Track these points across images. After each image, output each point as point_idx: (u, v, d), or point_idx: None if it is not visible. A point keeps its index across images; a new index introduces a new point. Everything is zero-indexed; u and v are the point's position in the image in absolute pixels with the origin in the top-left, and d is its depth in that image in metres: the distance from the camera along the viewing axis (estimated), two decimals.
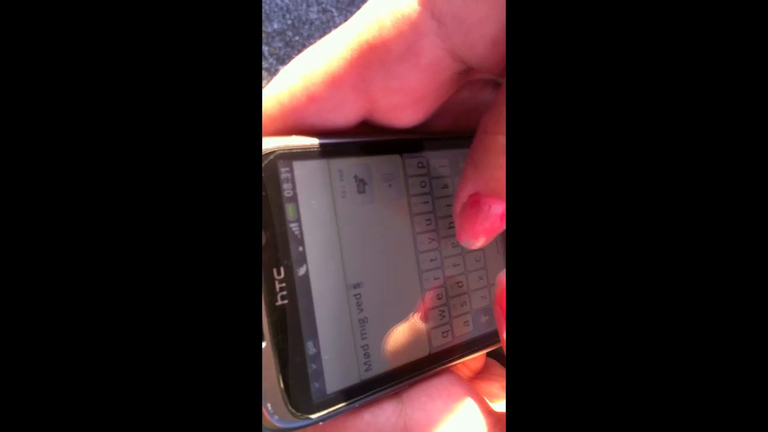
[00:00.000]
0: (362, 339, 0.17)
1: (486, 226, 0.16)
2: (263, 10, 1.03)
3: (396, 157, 0.18)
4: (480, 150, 0.16)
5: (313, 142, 0.16)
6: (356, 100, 0.16)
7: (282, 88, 0.16)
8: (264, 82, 1.06)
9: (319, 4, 1.04)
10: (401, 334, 0.18)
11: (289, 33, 1.04)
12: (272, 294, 0.15)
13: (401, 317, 0.18)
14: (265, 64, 1.04)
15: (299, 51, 1.06)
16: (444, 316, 0.19)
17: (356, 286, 0.17)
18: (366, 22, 0.15)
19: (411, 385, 0.18)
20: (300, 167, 0.16)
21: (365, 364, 0.17)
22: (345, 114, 0.16)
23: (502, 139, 0.15)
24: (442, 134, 0.19)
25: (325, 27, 1.04)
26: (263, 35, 1.04)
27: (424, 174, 0.19)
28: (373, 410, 0.17)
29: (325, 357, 0.16)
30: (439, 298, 0.19)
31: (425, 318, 0.18)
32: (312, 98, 0.15)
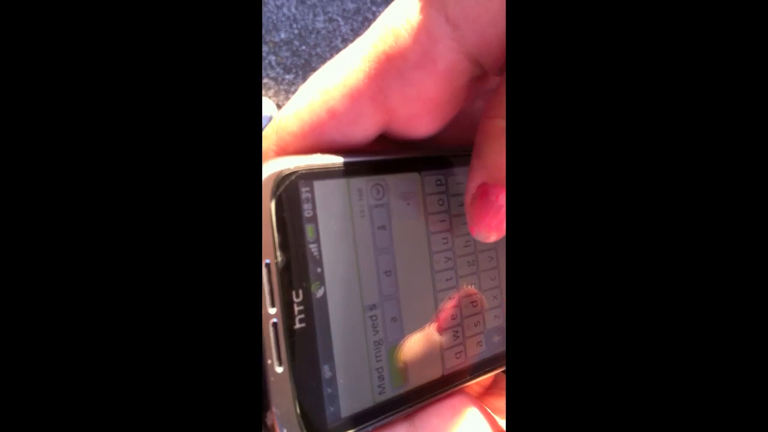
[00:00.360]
0: (377, 361, 0.17)
1: (496, 218, 0.16)
2: (270, 20, 1.03)
3: (415, 175, 0.18)
4: (481, 137, 0.16)
5: (334, 160, 0.16)
6: (375, 112, 0.16)
7: (302, 105, 0.16)
8: (271, 91, 1.06)
9: (325, 13, 1.04)
10: (415, 356, 0.18)
11: (296, 42, 1.04)
12: (291, 317, 0.15)
13: (417, 340, 0.18)
14: (272, 74, 1.04)
15: (306, 60, 1.07)
16: (458, 337, 0.19)
17: (372, 307, 0.17)
18: (381, 32, 0.15)
19: (422, 407, 0.18)
20: (320, 187, 0.15)
21: (379, 386, 0.17)
22: (364, 127, 0.16)
23: (502, 123, 0.15)
24: (461, 150, 0.19)
25: (331, 36, 1.04)
26: (271, 44, 1.04)
27: (442, 192, 0.18)
28: None
29: (341, 381, 0.16)
30: (454, 319, 0.19)
31: (439, 339, 0.18)
32: (332, 113, 0.15)
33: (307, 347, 0.15)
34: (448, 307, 0.18)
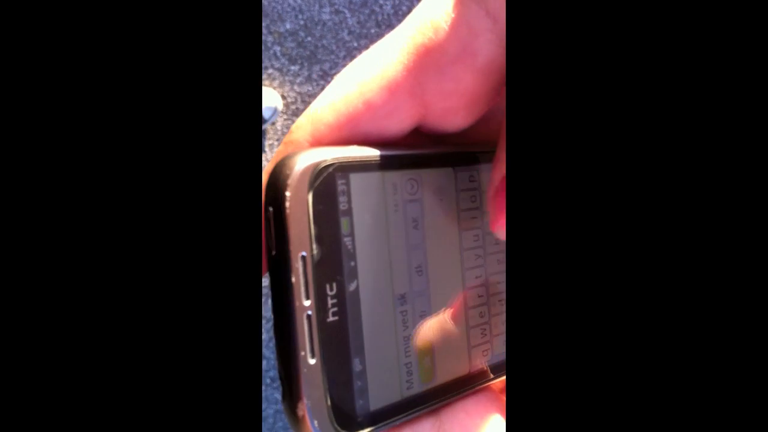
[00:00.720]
0: (406, 357, 0.16)
1: None
2: (275, 10, 1.03)
3: (448, 171, 0.18)
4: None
5: (371, 153, 0.15)
6: (412, 106, 0.15)
7: (337, 96, 0.15)
8: (276, 82, 1.05)
9: (331, 5, 1.04)
10: (443, 352, 0.18)
11: (302, 33, 1.04)
12: (324, 310, 0.15)
13: (445, 336, 0.18)
14: (277, 64, 1.03)
15: (311, 51, 1.06)
16: (485, 334, 0.19)
17: (403, 302, 0.16)
18: (420, 25, 0.15)
19: (449, 403, 0.18)
20: (356, 180, 0.15)
21: (407, 381, 0.17)
22: (400, 120, 0.16)
23: None
24: (494, 146, 0.19)
25: (337, 28, 1.03)
26: (276, 35, 1.03)
27: (475, 188, 0.18)
28: (412, 427, 0.17)
29: (370, 374, 0.16)
30: (482, 316, 0.18)
31: (467, 336, 0.18)
32: (368, 105, 0.15)
33: (339, 340, 0.15)
34: (476, 304, 0.18)
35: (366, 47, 1.05)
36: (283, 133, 1.03)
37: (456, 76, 0.15)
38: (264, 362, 1.00)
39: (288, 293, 0.14)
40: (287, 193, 0.14)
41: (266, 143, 1.03)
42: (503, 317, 0.19)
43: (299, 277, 0.14)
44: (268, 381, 1.01)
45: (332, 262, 0.15)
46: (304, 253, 0.14)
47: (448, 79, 0.15)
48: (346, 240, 0.15)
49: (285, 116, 1.03)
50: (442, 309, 0.17)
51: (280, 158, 0.15)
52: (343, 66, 1.10)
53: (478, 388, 0.18)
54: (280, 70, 1.03)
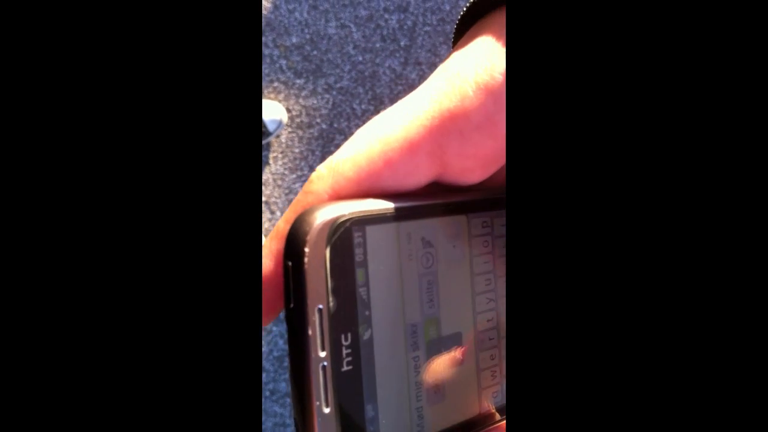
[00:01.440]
0: (417, 401, 0.17)
1: None
2: (282, 24, 1.04)
3: (462, 218, 0.18)
4: None
5: (386, 206, 0.16)
6: (430, 165, 0.16)
7: (359, 151, 0.16)
8: (281, 95, 1.06)
9: (337, 19, 1.04)
10: (454, 396, 0.18)
11: (308, 47, 1.04)
12: (339, 360, 0.15)
13: (456, 379, 0.18)
14: (282, 78, 1.04)
15: (317, 65, 1.07)
16: (495, 377, 0.19)
17: (415, 349, 0.17)
18: (447, 89, 0.15)
19: None
20: (372, 232, 0.15)
21: (418, 426, 0.17)
22: (418, 178, 0.16)
23: None
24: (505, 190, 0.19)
25: (343, 42, 1.04)
26: (282, 48, 1.04)
27: (488, 233, 0.18)
28: None
29: (383, 420, 0.16)
30: (492, 359, 0.19)
31: (477, 378, 0.18)
32: (388, 163, 0.15)
33: (352, 388, 0.15)
34: (488, 347, 0.18)
35: (371, 61, 1.06)
36: (287, 146, 1.03)
37: (477, 142, 0.15)
38: (263, 375, 1.00)
39: (304, 345, 0.14)
40: (306, 249, 0.14)
41: (270, 155, 1.03)
42: None
43: (315, 329, 0.14)
44: (268, 393, 1.01)
45: (347, 313, 0.15)
46: (320, 306, 0.14)
47: (469, 143, 0.15)
48: (361, 290, 0.15)
49: (290, 129, 1.03)
50: (454, 353, 0.18)
51: (300, 211, 0.15)
52: (348, 79, 1.10)
53: (487, 429, 0.19)
54: (285, 83, 1.04)
